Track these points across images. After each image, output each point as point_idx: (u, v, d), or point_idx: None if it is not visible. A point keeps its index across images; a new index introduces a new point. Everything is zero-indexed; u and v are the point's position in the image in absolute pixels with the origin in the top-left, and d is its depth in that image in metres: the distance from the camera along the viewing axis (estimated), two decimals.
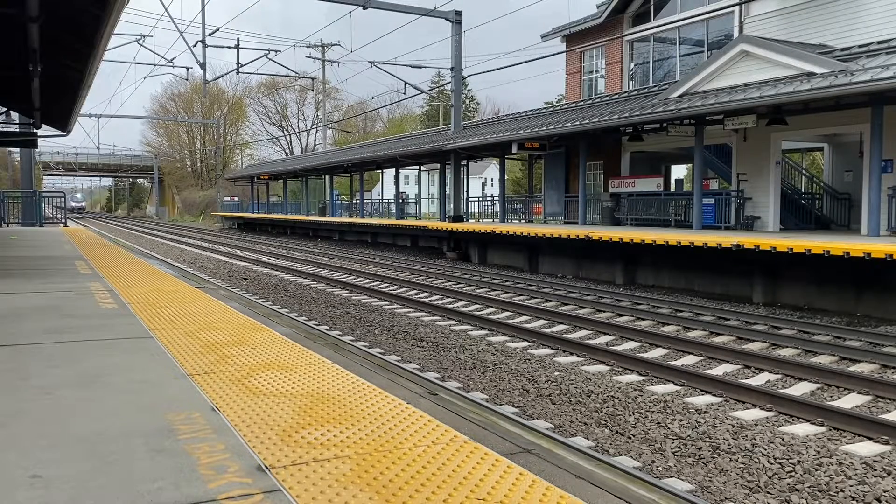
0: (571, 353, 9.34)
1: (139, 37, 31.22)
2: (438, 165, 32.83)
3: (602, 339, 10.36)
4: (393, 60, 30.82)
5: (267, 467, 2.75)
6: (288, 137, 78.29)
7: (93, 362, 4.50)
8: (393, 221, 32.43)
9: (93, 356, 4.68)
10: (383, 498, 2.48)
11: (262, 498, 2.47)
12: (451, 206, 27.80)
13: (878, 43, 14.76)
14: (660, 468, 5.40)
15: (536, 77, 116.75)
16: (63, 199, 35.96)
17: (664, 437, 6.03)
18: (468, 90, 70.93)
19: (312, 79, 51.10)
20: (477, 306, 13.69)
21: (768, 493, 4.93)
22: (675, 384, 7.77)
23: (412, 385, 4.34)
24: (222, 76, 42.85)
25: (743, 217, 18.43)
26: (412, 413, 3.54)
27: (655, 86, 22.04)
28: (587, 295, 15.15)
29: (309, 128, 75.92)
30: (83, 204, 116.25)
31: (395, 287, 16.84)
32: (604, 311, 12.91)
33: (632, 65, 25.75)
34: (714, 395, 7.33)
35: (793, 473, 5.21)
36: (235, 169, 72.89)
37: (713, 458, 5.55)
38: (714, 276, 15.23)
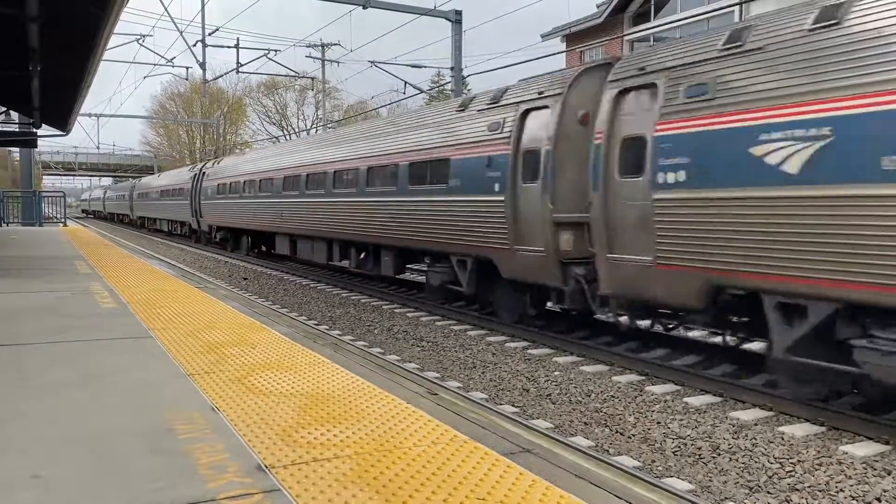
0: (571, 353, 9.34)
1: (139, 37, 31.13)
2: None
3: (602, 339, 10.35)
4: (393, 60, 30.75)
5: (267, 467, 2.75)
6: (288, 137, 78.36)
7: (92, 362, 4.50)
8: None
9: (92, 356, 4.68)
10: (383, 498, 2.48)
11: (262, 498, 2.47)
12: None
13: None
14: (660, 468, 5.40)
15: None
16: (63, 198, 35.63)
17: (664, 436, 6.03)
18: (468, 90, 70.92)
19: (312, 78, 51.09)
20: (477, 305, 13.66)
21: (768, 493, 4.93)
22: (675, 384, 7.76)
23: (412, 385, 4.34)
24: (222, 76, 42.74)
25: None
26: (412, 413, 3.54)
27: None
28: None
29: (309, 127, 75.92)
30: None
31: (395, 286, 16.82)
32: None
33: None
34: (714, 395, 7.32)
35: (793, 473, 5.21)
36: None
37: (713, 457, 5.55)
38: None
